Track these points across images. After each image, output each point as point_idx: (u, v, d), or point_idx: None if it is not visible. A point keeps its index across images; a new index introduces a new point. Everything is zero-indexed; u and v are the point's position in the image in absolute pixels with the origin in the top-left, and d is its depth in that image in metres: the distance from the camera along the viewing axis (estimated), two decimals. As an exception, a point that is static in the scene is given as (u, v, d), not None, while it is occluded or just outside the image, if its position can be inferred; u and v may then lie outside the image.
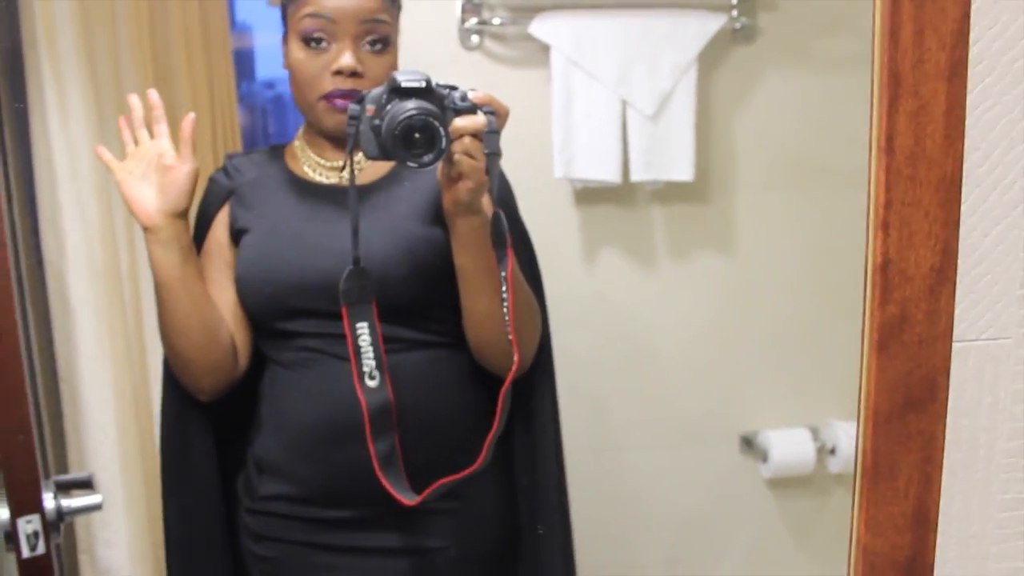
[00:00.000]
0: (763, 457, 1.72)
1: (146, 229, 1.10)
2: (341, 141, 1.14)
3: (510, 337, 1.01)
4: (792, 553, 1.78)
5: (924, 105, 0.65)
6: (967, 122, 0.69)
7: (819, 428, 1.74)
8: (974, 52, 0.68)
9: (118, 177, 1.10)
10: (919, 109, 0.65)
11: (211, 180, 1.22)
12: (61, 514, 0.96)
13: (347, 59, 1.09)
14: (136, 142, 1.12)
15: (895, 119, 0.65)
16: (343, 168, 1.15)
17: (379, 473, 1.06)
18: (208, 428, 1.22)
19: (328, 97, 1.11)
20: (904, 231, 0.66)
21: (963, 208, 0.70)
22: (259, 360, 1.19)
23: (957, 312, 0.71)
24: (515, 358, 1.01)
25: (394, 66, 1.14)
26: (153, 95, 1.12)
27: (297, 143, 1.20)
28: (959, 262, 0.70)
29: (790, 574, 1.77)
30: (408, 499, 1.06)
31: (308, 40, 1.11)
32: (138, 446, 1.60)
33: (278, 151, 1.22)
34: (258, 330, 1.17)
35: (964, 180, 0.69)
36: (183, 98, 1.58)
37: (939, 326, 0.69)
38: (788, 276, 1.68)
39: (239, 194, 1.19)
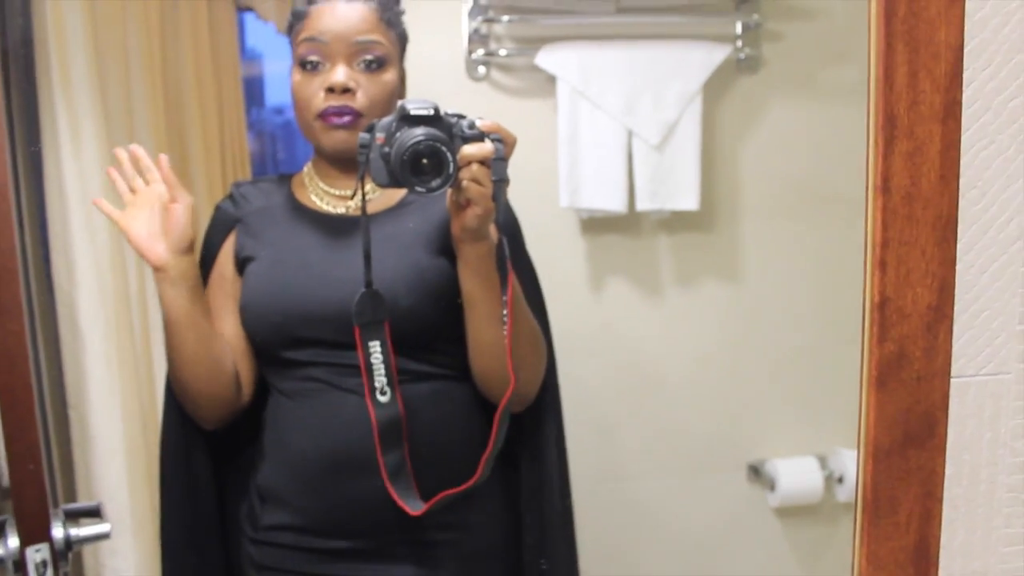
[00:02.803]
0: (771, 486, 1.72)
1: (156, 270, 1.11)
2: (347, 166, 1.16)
3: (511, 361, 1.03)
4: (800, 582, 1.77)
5: (920, 146, 0.66)
6: (963, 161, 0.70)
7: (827, 456, 1.74)
8: (968, 93, 0.69)
9: (123, 226, 1.12)
10: (915, 150, 0.66)
11: (217, 209, 1.23)
12: (70, 543, 0.96)
13: (337, 76, 1.11)
14: (132, 190, 1.14)
15: (891, 160, 0.66)
16: (353, 196, 1.17)
17: (388, 483, 1.07)
18: (208, 455, 1.22)
19: (323, 115, 1.12)
20: (901, 269, 0.67)
21: (960, 246, 0.70)
22: (263, 388, 1.20)
23: (956, 348, 0.72)
24: (511, 380, 1.03)
25: (393, 85, 1.15)
26: (138, 149, 1.14)
27: (306, 172, 1.21)
28: (957, 299, 0.71)
29: (798, 603, 1.76)
30: (414, 508, 1.07)
31: (305, 63, 1.13)
32: (147, 473, 1.61)
33: (286, 180, 1.23)
34: (262, 359, 1.17)
35: (960, 218, 0.70)
36: (193, 125, 1.59)
37: (937, 363, 0.69)
38: (794, 304, 1.69)
39: (246, 223, 1.20)
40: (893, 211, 0.66)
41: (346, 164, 1.16)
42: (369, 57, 1.13)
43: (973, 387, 0.73)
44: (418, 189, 1.01)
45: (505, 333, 1.06)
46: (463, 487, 1.06)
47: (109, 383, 1.56)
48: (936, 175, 0.66)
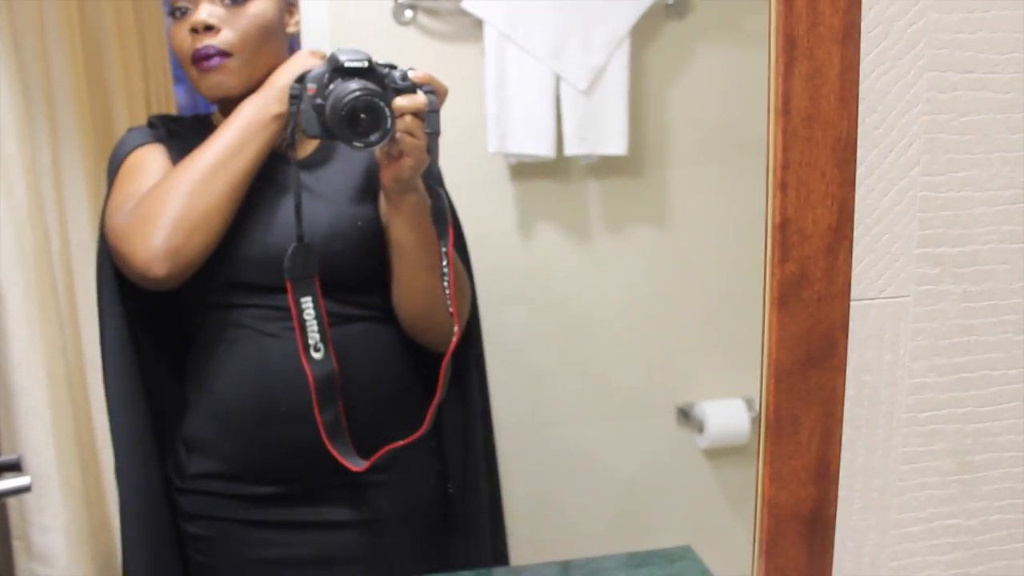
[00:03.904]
0: (699, 428, 1.75)
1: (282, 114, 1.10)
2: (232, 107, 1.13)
3: (451, 311, 1.05)
4: (729, 521, 1.81)
5: (819, 68, 0.67)
6: (864, 86, 0.71)
7: (753, 399, 1.77)
8: (869, 17, 0.70)
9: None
10: (814, 72, 0.67)
11: (131, 129, 1.21)
12: (-12, 496, 0.95)
13: (198, 14, 1.09)
14: None
15: (791, 82, 0.66)
16: (284, 145, 1.14)
17: (327, 442, 1.08)
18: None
19: (194, 61, 1.10)
20: (802, 191, 0.68)
21: (860, 170, 0.72)
22: (184, 341, 1.18)
23: (857, 271, 0.73)
24: (456, 330, 1.03)
25: (264, 18, 1.12)
26: None
27: (216, 117, 1.19)
28: (857, 223, 0.72)
29: (727, 542, 1.80)
30: (356, 466, 1.08)
31: (175, 11, 1.11)
32: (73, 430, 1.58)
33: (204, 119, 1.21)
34: (185, 303, 1.15)
35: (861, 143, 0.71)
36: (115, 76, 1.55)
37: (837, 284, 0.71)
38: (722, 249, 1.71)
39: (169, 148, 1.17)
40: (793, 133, 0.67)
41: (221, 104, 1.15)
42: None
43: (873, 309, 0.75)
44: (355, 144, 1.02)
45: (434, 280, 1.08)
46: (407, 440, 1.07)
47: (31, 340, 1.52)
48: (835, 97, 0.67)
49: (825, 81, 0.67)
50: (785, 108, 0.66)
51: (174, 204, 1.06)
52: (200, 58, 1.09)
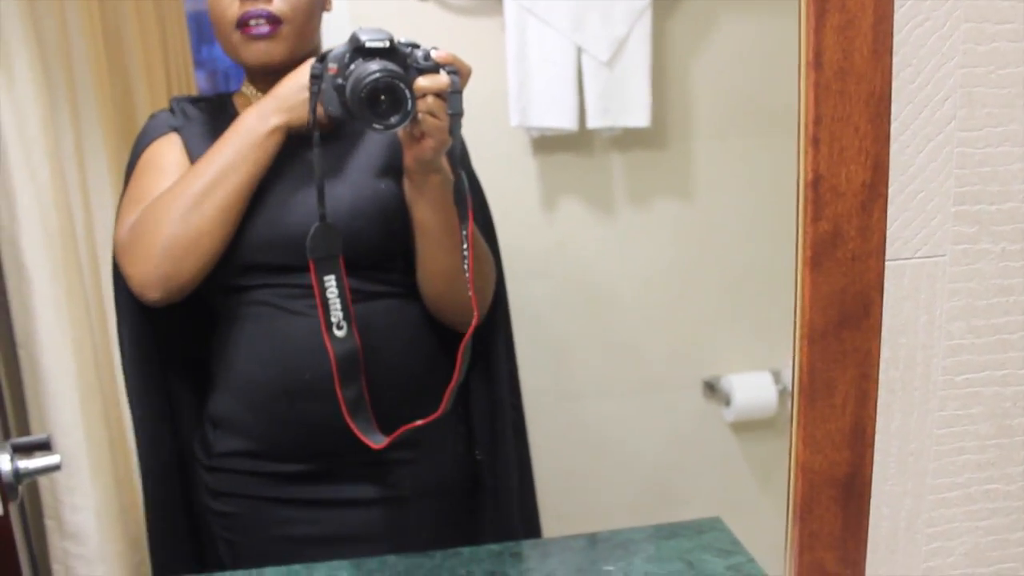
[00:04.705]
0: (726, 401, 1.74)
1: (282, 124, 1.09)
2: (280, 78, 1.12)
3: (470, 294, 1.03)
4: (756, 495, 1.80)
5: (852, 19, 0.65)
6: (897, 39, 0.69)
7: (780, 371, 1.76)
8: (903, -34, 0.68)
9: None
10: (847, 23, 0.65)
11: (154, 116, 1.20)
12: (19, 475, 0.95)
13: None
14: None
15: (823, 34, 0.65)
16: (307, 128, 1.14)
17: (348, 419, 1.07)
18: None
19: (241, 25, 1.09)
20: (835, 147, 0.67)
21: (895, 125, 0.70)
22: (210, 319, 1.19)
23: (891, 230, 0.72)
24: (475, 314, 1.03)
25: None
26: None
27: (246, 91, 1.18)
28: (892, 180, 0.70)
29: (755, 516, 1.79)
30: (376, 443, 1.07)
31: None
32: (101, 410, 1.59)
33: (226, 99, 1.20)
34: (209, 285, 1.16)
35: (896, 97, 0.69)
36: (136, 60, 1.55)
37: (872, 242, 0.69)
38: (746, 220, 1.69)
39: (186, 136, 1.16)
40: (826, 87, 0.65)
41: (263, 72, 1.13)
42: None
43: (908, 269, 0.73)
44: (376, 126, 1.00)
45: (458, 261, 1.07)
46: (425, 420, 1.06)
47: (58, 322, 1.53)
48: (869, 49, 0.65)
49: (858, 33, 0.65)
50: (817, 61, 0.65)
51: (165, 230, 1.08)
52: (250, 23, 1.08)
